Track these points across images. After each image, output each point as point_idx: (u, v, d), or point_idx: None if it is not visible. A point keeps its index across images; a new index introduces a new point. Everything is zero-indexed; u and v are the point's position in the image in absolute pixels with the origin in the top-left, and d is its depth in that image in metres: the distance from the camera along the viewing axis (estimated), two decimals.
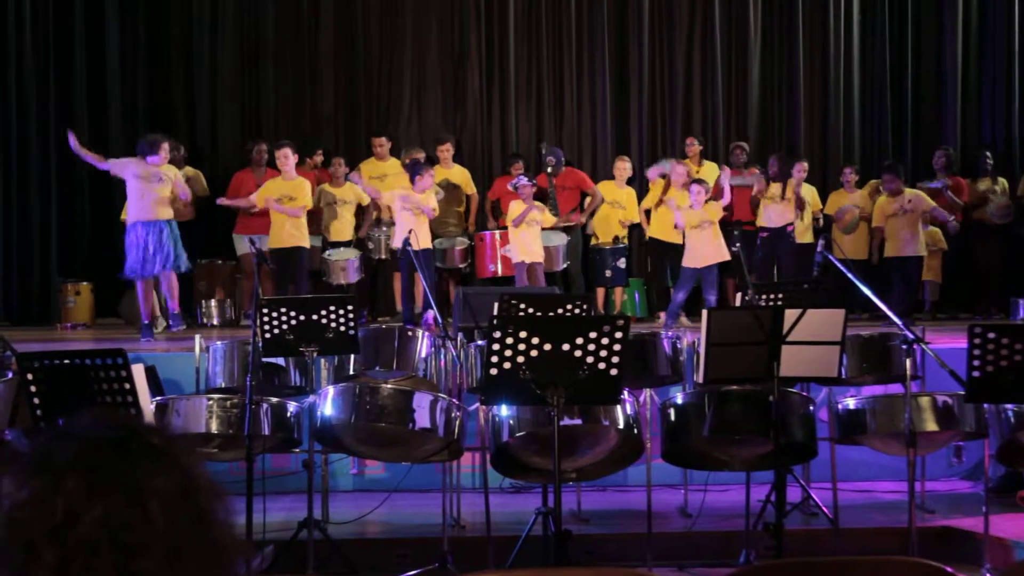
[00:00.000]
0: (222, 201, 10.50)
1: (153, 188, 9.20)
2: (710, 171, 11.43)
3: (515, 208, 10.48)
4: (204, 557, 1.31)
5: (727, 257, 10.16)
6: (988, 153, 12.00)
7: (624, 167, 11.54)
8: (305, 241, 10.10)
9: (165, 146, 9.40)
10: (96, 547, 1.25)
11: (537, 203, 10.60)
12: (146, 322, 9.25)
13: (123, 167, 9.37)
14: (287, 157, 10.07)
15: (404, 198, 10.03)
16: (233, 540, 1.37)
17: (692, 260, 10.23)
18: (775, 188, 10.84)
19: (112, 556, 1.25)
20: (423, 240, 9.81)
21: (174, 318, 9.43)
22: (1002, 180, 11.79)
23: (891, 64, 12.93)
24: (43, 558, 1.25)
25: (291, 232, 9.99)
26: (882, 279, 10.26)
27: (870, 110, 12.96)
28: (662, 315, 10.90)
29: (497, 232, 10.89)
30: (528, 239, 10.42)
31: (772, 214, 10.89)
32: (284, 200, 10.00)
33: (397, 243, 9.65)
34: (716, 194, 10.67)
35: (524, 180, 10.57)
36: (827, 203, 11.51)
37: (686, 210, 10.29)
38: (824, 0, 12.81)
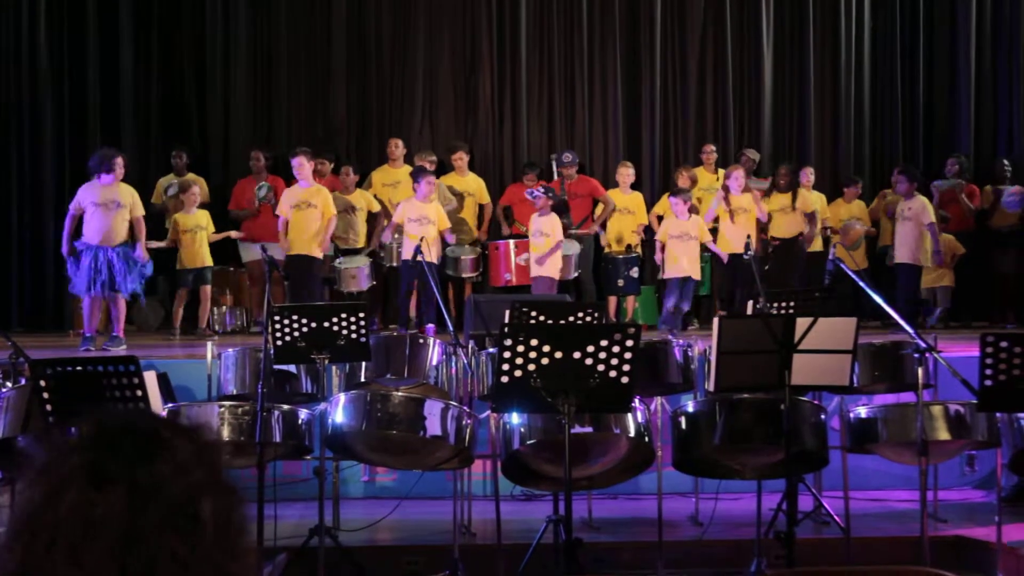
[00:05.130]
0: (284, 245, 9.94)
1: (110, 215, 8.94)
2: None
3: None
4: (180, 558, 1.26)
5: (698, 276, 10.39)
6: (1006, 161, 11.98)
7: (627, 172, 11.53)
8: (316, 251, 9.93)
9: (118, 161, 9.08)
10: (71, 528, 1.24)
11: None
12: (89, 335, 8.96)
13: (82, 202, 8.98)
14: (302, 165, 9.91)
15: (409, 209, 10.12)
16: (232, 548, 1.31)
17: (676, 270, 10.26)
18: (784, 199, 10.80)
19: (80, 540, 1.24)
20: (434, 252, 9.73)
21: (114, 339, 9.05)
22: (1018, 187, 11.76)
23: (903, 71, 12.91)
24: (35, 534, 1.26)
25: (307, 240, 9.87)
26: (887, 283, 10.22)
27: (881, 117, 12.94)
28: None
29: (512, 241, 10.87)
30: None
31: (782, 224, 10.86)
32: (302, 206, 9.87)
33: (407, 255, 9.48)
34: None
35: (539, 192, 10.53)
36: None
37: (671, 219, 10.37)
38: (836, 7, 12.82)
